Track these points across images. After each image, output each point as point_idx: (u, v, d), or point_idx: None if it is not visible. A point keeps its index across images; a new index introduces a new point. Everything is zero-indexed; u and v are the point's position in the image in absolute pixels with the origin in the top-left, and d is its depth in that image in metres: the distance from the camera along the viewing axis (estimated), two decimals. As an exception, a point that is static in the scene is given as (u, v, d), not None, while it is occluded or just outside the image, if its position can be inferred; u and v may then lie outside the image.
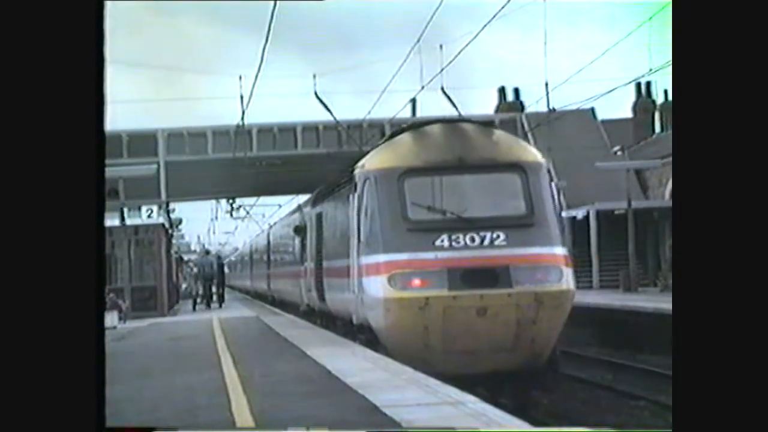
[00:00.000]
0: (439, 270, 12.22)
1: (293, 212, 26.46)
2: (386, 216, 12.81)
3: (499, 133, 14.00)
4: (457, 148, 13.10)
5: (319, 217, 18.06)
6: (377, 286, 12.64)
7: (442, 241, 12.37)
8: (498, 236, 12.38)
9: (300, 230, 21.01)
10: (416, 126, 14.26)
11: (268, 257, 32.87)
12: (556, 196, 13.33)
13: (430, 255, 12.33)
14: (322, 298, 17.39)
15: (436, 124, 14.05)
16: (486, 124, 14.84)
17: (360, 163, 13.94)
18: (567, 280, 12.49)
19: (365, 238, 13.26)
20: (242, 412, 7.74)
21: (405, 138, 13.74)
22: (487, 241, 12.36)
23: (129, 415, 7.75)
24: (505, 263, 12.24)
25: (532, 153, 13.55)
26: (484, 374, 12.01)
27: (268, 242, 33.30)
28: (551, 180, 13.36)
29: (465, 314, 12.11)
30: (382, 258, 12.68)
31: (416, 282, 12.29)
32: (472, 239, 12.36)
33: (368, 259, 13.09)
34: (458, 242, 12.38)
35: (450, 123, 14.24)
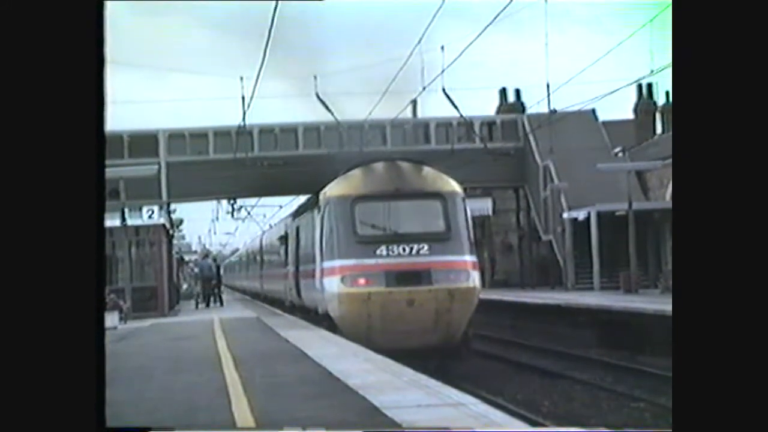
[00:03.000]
0: (378, 272, 16.31)
1: (280, 222, 30.68)
2: (341, 231, 16.91)
3: (427, 169, 17.99)
4: (395, 180, 17.30)
5: (297, 229, 22.07)
6: (333, 284, 16.72)
7: (382, 250, 16.38)
8: (423, 247, 16.42)
9: (284, 239, 25.02)
10: (365, 163, 18.37)
11: (261, 261, 35.62)
12: (468, 217, 17.41)
13: (372, 261, 16.37)
14: (299, 295, 21.31)
15: (379, 162, 18.18)
16: (417, 162, 18.75)
17: (323, 191, 17.98)
18: (473, 280, 16.72)
19: (325, 248, 17.25)
20: (243, 413, 7.74)
21: (356, 172, 17.80)
22: (414, 251, 16.39)
23: (129, 416, 7.75)
24: (428, 267, 16.37)
25: (450, 185, 17.57)
26: (414, 349, 15.18)
27: (261, 248, 36.06)
28: (465, 205, 17.44)
29: (398, 305, 16.19)
30: (337, 263, 16.77)
31: (362, 281, 16.37)
32: (404, 249, 16.37)
33: (327, 264, 17.09)
34: (393, 252, 16.37)
35: (390, 161, 18.34)
